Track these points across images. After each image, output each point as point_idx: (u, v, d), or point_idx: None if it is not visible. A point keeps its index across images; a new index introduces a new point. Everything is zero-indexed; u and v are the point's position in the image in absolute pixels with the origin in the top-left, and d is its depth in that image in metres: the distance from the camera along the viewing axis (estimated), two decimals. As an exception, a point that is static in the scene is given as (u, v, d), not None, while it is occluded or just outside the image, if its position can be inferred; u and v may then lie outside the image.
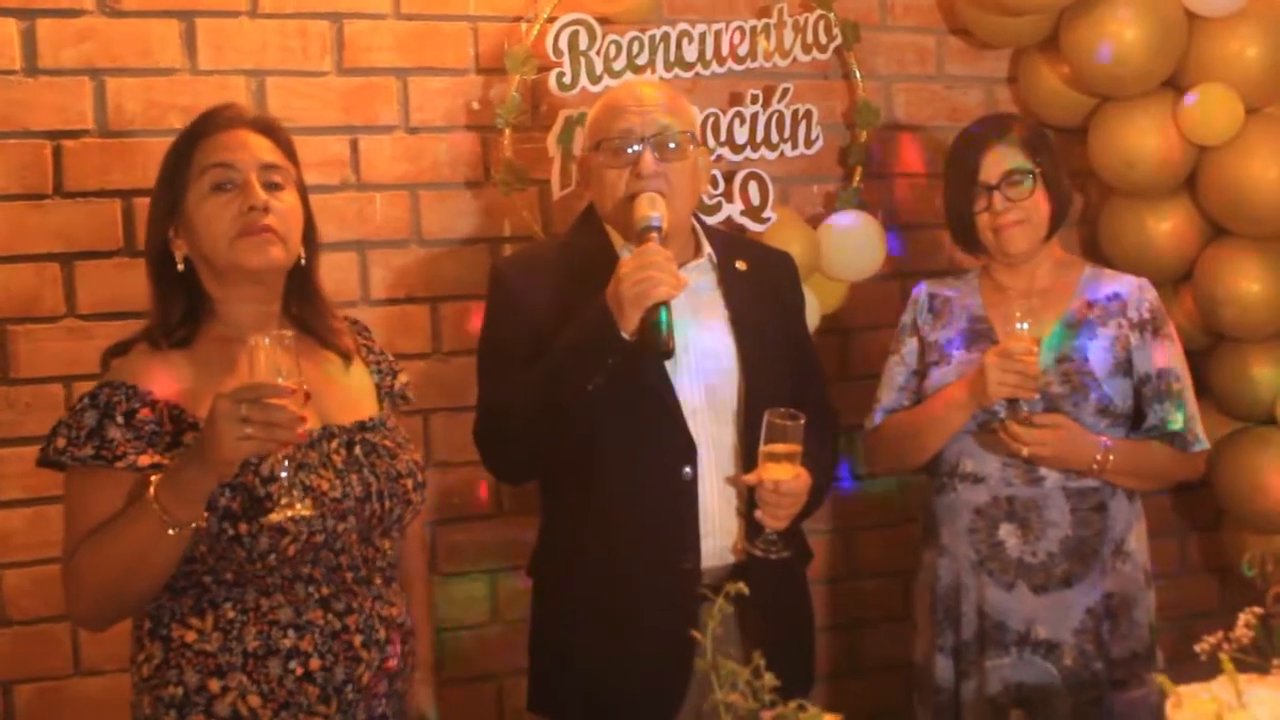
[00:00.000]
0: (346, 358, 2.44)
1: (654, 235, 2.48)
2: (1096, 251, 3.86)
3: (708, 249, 2.72)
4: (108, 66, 3.03)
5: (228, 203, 2.25)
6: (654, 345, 2.42)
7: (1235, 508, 3.84)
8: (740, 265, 2.74)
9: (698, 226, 2.76)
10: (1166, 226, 3.75)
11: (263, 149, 2.31)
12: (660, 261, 2.42)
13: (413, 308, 3.31)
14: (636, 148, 2.59)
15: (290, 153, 2.37)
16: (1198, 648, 2.01)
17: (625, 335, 2.42)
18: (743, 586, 1.68)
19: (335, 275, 3.10)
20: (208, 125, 2.31)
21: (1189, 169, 3.68)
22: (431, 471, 2.89)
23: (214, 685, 2.19)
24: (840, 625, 3.77)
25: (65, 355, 3.00)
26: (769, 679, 1.54)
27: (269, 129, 2.36)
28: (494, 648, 3.35)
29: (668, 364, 2.55)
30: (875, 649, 3.78)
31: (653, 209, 2.51)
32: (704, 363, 2.63)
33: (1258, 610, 2.04)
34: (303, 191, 2.37)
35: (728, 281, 2.71)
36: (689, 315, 2.58)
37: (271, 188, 2.28)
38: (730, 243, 2.84)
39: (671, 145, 2.60)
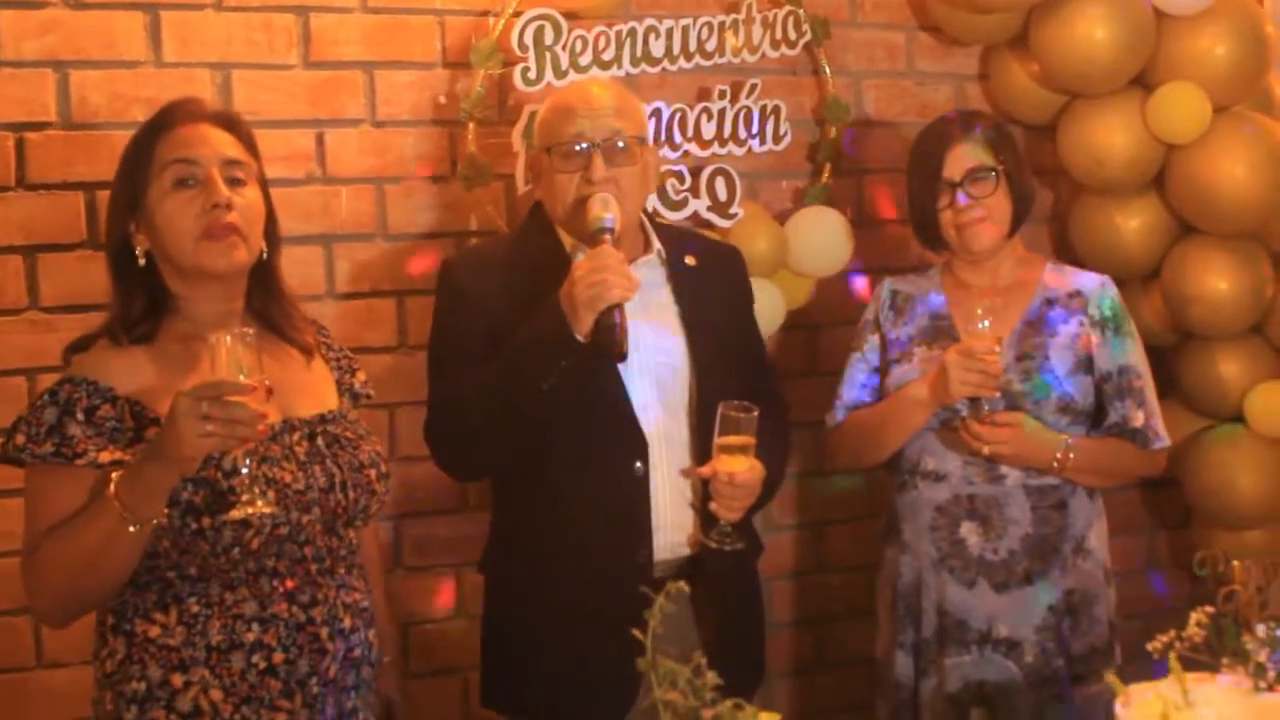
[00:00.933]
0: (307, 352, 2.44)
1: (607, 237, 2.48)
2: (1066, 249, 3.87)
3: (656, 244, 2.72)
4: (71, 58, 3.01)
5: (190, 200, 2.25)
6: (608, 348, 2.42)
7: (1203, 505, 3.85)
8: (689, 260, 2.74)
9: (646, 222, 2.76)
10: (1135, 224, 3.74)
11: (224, 144, 2.30)
12: (613, 264, 2.42)
13: (378, 301, 3.30)
14: (584, 146, 2.58)
15: (251, 147, 2.36)
16: (1150, 646, 2.03)
17: (579, 338, 2.43)
18: (684, 585, 1.68)
19: (300, 269, 3.09)
20: (168, 119, 2.31)
21: (1158, 167, 3.68)
22: (396, 466, 2.88)
23: (176, 680, 2.18)
24: (807, 620, 3.77)
25: (28, 348, 2.98)
26: (711, 677, 1.54)
27: (230, 123, 2.35)
28: (459, 642, 3.33)
29: None
30: (842, 644, 3.77)
31: (605, 210, 2.51)
32: (654, 358, 2.63)
33: (1209, 609, 2.05)
34: (264, 186, 2.36)
35: (677, 277, 2.71)
36: (639, 311, 2.56)
37: (234, 183, 2.28)
38: (678, 237, 2.83)
39: (620, 145, 2.60)
